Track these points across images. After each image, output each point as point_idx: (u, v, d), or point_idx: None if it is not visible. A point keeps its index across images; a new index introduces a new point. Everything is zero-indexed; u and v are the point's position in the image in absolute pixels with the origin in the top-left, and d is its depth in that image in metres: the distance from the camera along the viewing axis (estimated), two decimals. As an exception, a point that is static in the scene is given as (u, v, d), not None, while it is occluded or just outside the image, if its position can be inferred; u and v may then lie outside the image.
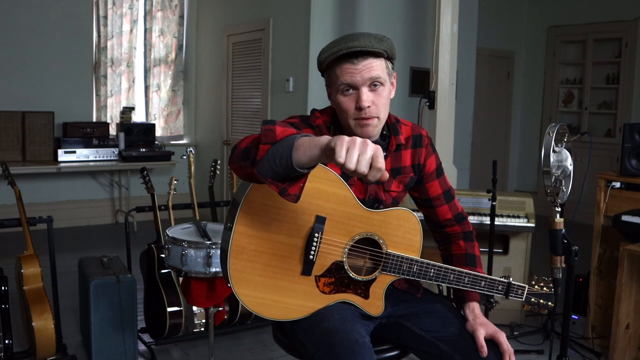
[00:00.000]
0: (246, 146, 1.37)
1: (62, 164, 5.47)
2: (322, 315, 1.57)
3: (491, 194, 3.21)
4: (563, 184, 1.82)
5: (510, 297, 1.70)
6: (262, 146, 1.27)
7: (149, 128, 6.16)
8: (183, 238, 2.39)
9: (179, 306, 3.06)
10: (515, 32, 7.58)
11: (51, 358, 2.72)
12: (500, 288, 1.69)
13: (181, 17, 6.61)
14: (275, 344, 2.03)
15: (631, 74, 6.55)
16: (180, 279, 2.92)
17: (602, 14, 6.74)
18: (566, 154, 1.82)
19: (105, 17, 6.11)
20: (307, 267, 1.57)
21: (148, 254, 3.13)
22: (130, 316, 2.83)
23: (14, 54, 5.57)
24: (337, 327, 1.50)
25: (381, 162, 1.19)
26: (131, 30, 6.33)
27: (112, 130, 6.11)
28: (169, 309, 3.03)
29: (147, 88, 6.51)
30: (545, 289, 1.72)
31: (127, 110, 6.24)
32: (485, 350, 1.58)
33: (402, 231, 1.64)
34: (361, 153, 1.18)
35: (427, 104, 3.90)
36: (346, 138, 1.19)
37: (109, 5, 6.12)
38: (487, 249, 3.24)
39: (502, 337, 1.62)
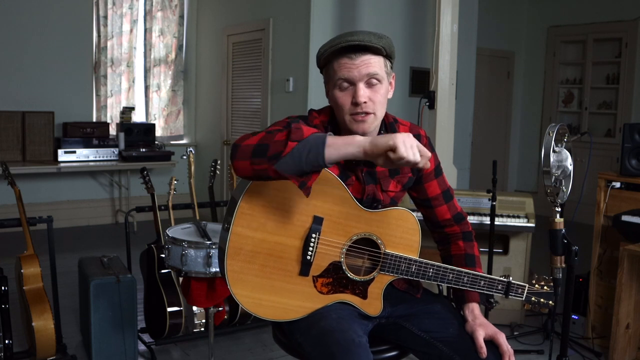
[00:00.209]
0: (260, 143, 1.39)
1: (62, 164, 5.47)
2: (320, 315, 1.57)
3: (491, 194, 3.21)
4: (563, 184, 1.82)
5: (510, 297, 1.70)
6: (290, 143, 1.34)
7: (149, 128, 6.16)
8: (183, 238, 2.39)
9: (179, 306, 3.06)
10: (515, 32, 7.58)
11: (51, 358, 2.72)
12: (500, 287, 1.69)
13: (181, 17, 6.61)
14: (275, 344, 2.03)
15: (631, 74, 6.55)
16: (180, 279, 2.92)
17: (602, 14, 6.74)
18: (566, 154, 1.82)
19: (105, 17, 6.11)
20: (304, 268, 1.57)
21: (148, 254, 3.13)
22: (130, 316, 2.83)
23: (14, 54, 5.57)
24: (334, 326, 1.50)
25: (424, 149, 1.38)
26: (131, 30, 6.33)
27: (112, 130, 6.11)
28: (169, 309, 3.03)
29: (147, 88, 6.51)
30: (545, 287, 1.72)
31: (127, 110, 6.24)
32: (484, 351, 1.58)
33: (401, 231, 1.64)
34: (413, 145, 1.35)
35: (427, 104, 3.90)
36: (399, 135, 1.35)
37: (109, 5, 6.12)
38: (487, 249, 3.24)
39: (501, 338, 1.61)
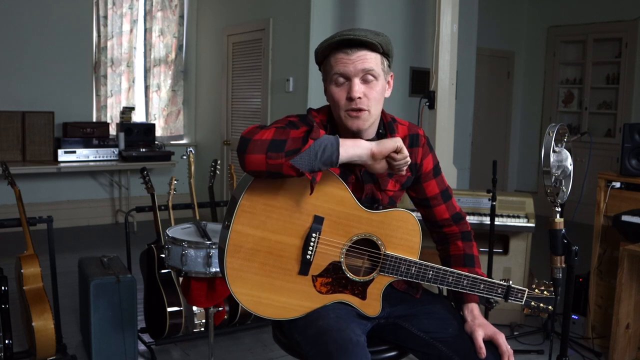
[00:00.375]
0: (275, 138, 1.42)
1: (62, 164, 5.47)
2: (318, 315, 1.57)
3: (491, 194, 3.21)
4: (563, 184, 1.82)
5: (509, 301, 1.69)
6: (310, 140, 1.40)
7: (149, 128, 6.16)
8: (183, 238, 2.39)
9: (179, 306, 3.06)
10: (515, 32, 7.58)
11: (51, 358, 2.72)
12: (499, 291, 1.68)
13: (181, 17, 6.61)
14: (275, 344, 2.03)
15: (631, 74, 6.55)
16: (180, 279, 2.92)
17: (602, 14, 6.74)
18: (566, 154, 1.82)
19: (105, 17, 6.11)
20: (304, 267, 1.57)
21: (148, 254, 3.13)
22: (130, 316, 2.83)
23: (14, 54, 5.57)
24: (332, 325, 1.51)
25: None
26: (131, 30, 6.33)
27: (112, 130, 6.11)
28: (169, 309, 3.03)
29: (147, 88, 6.51)
30: (545, 292, 1.71)
31: (127, 110, 6.24)
32: (483, 351, 1.58)
33: (401, 232, 1.64)
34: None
35: (427, 104, 3.90)
36: (398, 139, 1.49)
37: (109, 5, 6.12)
38: (487, 249, 3.24)
39: (501, 338, 1.61)
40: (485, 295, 1.68)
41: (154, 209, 3.16)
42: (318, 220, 1.55)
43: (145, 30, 6.42)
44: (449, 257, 1.81)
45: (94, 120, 6.12)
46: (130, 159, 5.76)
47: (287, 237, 1.55)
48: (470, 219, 3.32)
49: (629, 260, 2.91)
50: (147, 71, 6.48)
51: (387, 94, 1.68)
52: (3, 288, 2.63)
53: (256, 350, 3.16)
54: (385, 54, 1.62)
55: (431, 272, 1.65)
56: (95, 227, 6.07)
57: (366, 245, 1.63)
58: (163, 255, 2.66)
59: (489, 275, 3.23)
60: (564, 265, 1.78)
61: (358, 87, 1.57)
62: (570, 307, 1.96)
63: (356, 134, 1.64)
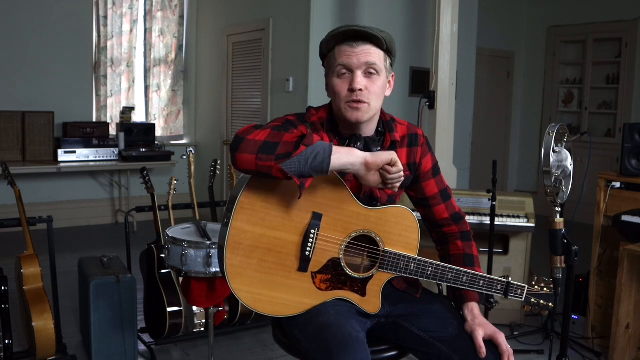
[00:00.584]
0: (268, 140, 1.43)
1: (62, 164, 5.47)
2: (318, 312, 1.57)
3: (491, 194, 3.21)
4: (563, 184, 1.82)
5: (509, 297, 1.69)
6: (302, 146, 1.41)
7: (149, 128, 6.16)
8: (183, 238, 2.39)
9: (179, 306, 3.06)
10: (515, 32, 7.58)
11: (51, 358, 2.72)
12: (499, 288, 1.68)
13: (181, 17, 6.61)
14: (275, 344, 2.03)
15: (631, 74, 6.55)
16: (180, 279, 2.92)
17: (602, 14, 6.74)
18: (566, 154, 1.82)
19: (105, 17, 6.11)
20: (303, 264, 1.57)
21: (148, 254, 3.13)
22: (130, 316, 2.83)
23: (14, 54, 5.57)
24: (331, 321, 1.51)
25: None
26: (131, 30, 6.33)
27: (112, 130, 6.11)
28: (169, 309, 3.03)
29: (147, 88, 6.51)
30: (545, 289, 1.71)
31: (127, 110, 6.24)
32: (483, 350, 1.58)
33: (400, 229, 1.64)
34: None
35: (427, 104, 3.90)
36: (394, 153, 1.48)
37: (109, 5, 6.12)
38: (487, 249, 3.24)
39: (501, 337, 1.61)
40: (484, 292, 1.68)
41: (154, 209, 3.16)
42: (316, 217, 1.56)
43: (145, 30, 6.42)
44: (449, 257, 1.81)
45: (94, 120, 6.12)
46: (130, 159, 5.76)
47: (286, 234, 1.56)
48: (470, 219, 3.33)
49: (629, 260, 2.91)
50: (147, 71, 6.48)
51: (388, 93, 1.70)
52: (3, 288, 2.63)
53: (256, 350, 3.16)
54: (389, 52, 1.65)
55: (430, 269, 1.65)
56: (95, 227, 6.07)
57: (365, 242, 1.63)
58: (163, 255, 2.66)
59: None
60: (564, 265, 1.78)
61: (360, 79, 1.59)
62: (570, 307, 1.96)
63: (355, 128, 1.66)
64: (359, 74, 1.60)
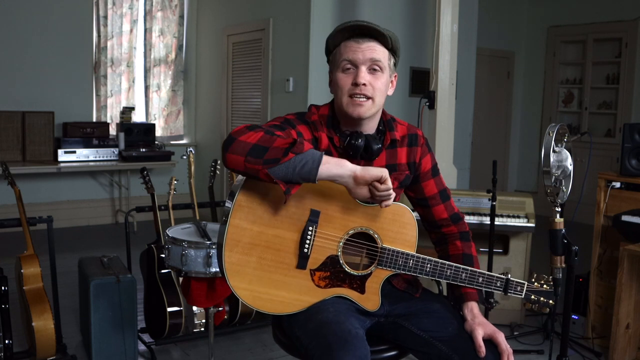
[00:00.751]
0: (258, 144, 1.43)
1: (62, 164, 5.47)
2: (317, 309, 1.58)
3: (491, 194, 3.21)
4: (563, 184, 1.82)
5: (509, 294, 1.69)
6: (290, 154, 1.41)
7: (149, 128, 6.16)
8: (183, 238, 2.39)
9: (179, 306, 3.06)
10: (515, 32, 7.58)
11: (51, 358, 2.72)
12: (498, 284, 1.68)
13: (181, 17, 6.61)
14: (275, 344, 2.03)
15: (631, 74, 6.55)
16: (180, 279, 2.92)
17: (602, 14, 6.74)
18: (566, 154, 1.82)
19: (105, 17, 6.11)
20: (302, 261, 1.58)
21: (148, 254, 3.13)
22: (130, 316, 2.83)
23: (14, 54, 5.57)
24: (331, 318, 1.52)
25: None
26: (131, 30, 6.33)
27: (112, 130, 6.11)
28: (169, 309, 3.03)
29: (147, 88, 6.51)
30: (545, 286, 1.71)
31: (127, 110, 6.24)
32: (483, 350, 1.58)
33: (397, 226, 1.65)
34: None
35: (427, 104, 3.90)
36: (385, 170, 1.46)
37: (109, 5, 6.12)
38: (487, 249, 3.24)
39: (500, 337, 1.61)
40: (484, 289, 1.68)
41: (154, 209, 3.16)
42: (314, 214, 1.57)
43: (145, 30, 6.42)
44: (448, 257, 1.81)
45: (94, 120, 6.12)
46: (130, 159, 5.76)
47: (285, 231, 1.56)
48: (470, 219, 3.33)
49: (629, 260, 2.91)
50: (147, 71, 6.48)
51: (390, 92, 1.72)
52: (3, 288, 2.63)
53: (256, 350, 3.16)
54: (393, 51, 1.68)
55: (429, 265, 1.65)
56: (95, 227, 6.07)
57: (363, 240, 1.64)
58: (163, 255, 2.66)
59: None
60: (564, 265, 1.78)
61: (364, 74, 1.62)
62: (570, 307, 1.96)
63: (356, 125, 1.67)
64: (363, 69, 1.62)
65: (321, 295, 1.61)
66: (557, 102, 7.31)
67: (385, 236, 1.64)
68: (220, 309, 2.58)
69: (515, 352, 1.65)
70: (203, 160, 6.40)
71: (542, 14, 7.42)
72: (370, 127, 1.71)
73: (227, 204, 1.55)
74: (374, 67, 1.63)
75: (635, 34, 6.47)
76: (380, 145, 1.69)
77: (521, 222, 3.34)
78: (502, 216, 3.36)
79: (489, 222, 3.23)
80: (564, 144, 1.82)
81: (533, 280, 1.72)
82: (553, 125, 1.82)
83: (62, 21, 5.79)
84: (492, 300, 3.09)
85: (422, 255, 1.65)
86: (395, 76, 1.73)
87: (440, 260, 1.66)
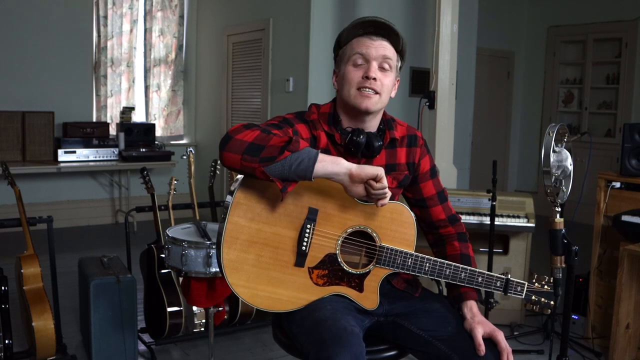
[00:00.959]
0: (254, 142, 1.45)
1: (62, 164, 5.47)
2: (315, 307, 1.58)
3: (491, 194, 3.21)
4: (563, 184, 1.82)
5: (509, 294, 1.69)
6: (286, 152, 1.42)
7: (149, 128, 6.16)
8: (183, 238, 2.39)
9: (179, 306, 3.06)
10: (515, 32, 7.58)
11: (51, 358, 2.72)
12: (498, 284, 1.68)
13: (181, 17, 6.61)
14: (275, 344, 2.03)
15: (631, 74, 6.55)
16: (180, 279, 2.92)
17: (602, 14, 6.74)
18: (566, 154, 1.82)
19: (105, 17, 6.11)
20: (300, 259, 1.58)
21: (148, 254, 3.13)
22: (130, 316, 2.83)
23: (14, 54, 5.57)
24: (327, 315, 1.52)
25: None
26: (131, 30, 6.33)
27: (112, 130, 6.11)
28: (169, 309, 3.03)
29: (147, 88, 6.51)
30: (545, 287, 1.71)
31: (127, 110, 6.24)
32: (482, 349, 1.58)
33: (396, 225, 1.65)
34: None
35: (427, 104, 3.90)
36: (381, 169, 1.46)
37: (109, 5, 6.12)
38: (487, 249, 3.24)
39: (500, 335, 1.61)
40: (483, 288, 1.68)
41: (154, 209, 3.16)
42: (312, 212, 1.57)
43: (145, 30, 6.42)
44: (446, 258, 1.80)
45: (94, 120, 6.12)
46: (130, 159, 5.76)
47: (283, 229, 1.56)
48: (470, 219, 3.33)
49: (629, 260, 2.91)
50: (147, 71, 6.48)
51: (392, 93, 1.74)
52: (3, 288, 2.63)
53: (256, 350, 3.16)
54: (401, 55, 1.72)
55: (428, 264, 1.65)
56: (95, 227, 6.07)
57: (362, 238, 1.64)
58: (163, 255, 2.66)
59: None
60: (564, 265, 1.78)
61: (375, 69, 1.65)
62: (570, 307, 1.96)
63: (359, 122, 1.69)
64: (374, 65, 1.65)
65: (319, 293, 1.61)
66: (557, 102, 7.31)
67: (383, 235, 1.64)
68: (220, 309, 2.58)
69: (515, 352, 1.65)
70: (203, 160, 6.40)
71: (542, 14, 7.42)
72: (372, 125, 1.72)
73: (226, 201, 1.56)
74: (384, 65, 1.66)
75: (635, 34, 6.47)
76: (381, 143, 1.69)
77: (521, 222, 3.34)
78: (502, 216, 3.36)
79: (489, 222, 3.23)
80: (564, 144, 1.82)
81: (533, 280, 1.72)
82: (553, 125, 1.82)
83: (62, 21, 5.79)
84: (492, 301, 3.09)
85: (420, 254, 1.65)
86: (398, 80, 1.75)
87: (439, 259, 1.66)
